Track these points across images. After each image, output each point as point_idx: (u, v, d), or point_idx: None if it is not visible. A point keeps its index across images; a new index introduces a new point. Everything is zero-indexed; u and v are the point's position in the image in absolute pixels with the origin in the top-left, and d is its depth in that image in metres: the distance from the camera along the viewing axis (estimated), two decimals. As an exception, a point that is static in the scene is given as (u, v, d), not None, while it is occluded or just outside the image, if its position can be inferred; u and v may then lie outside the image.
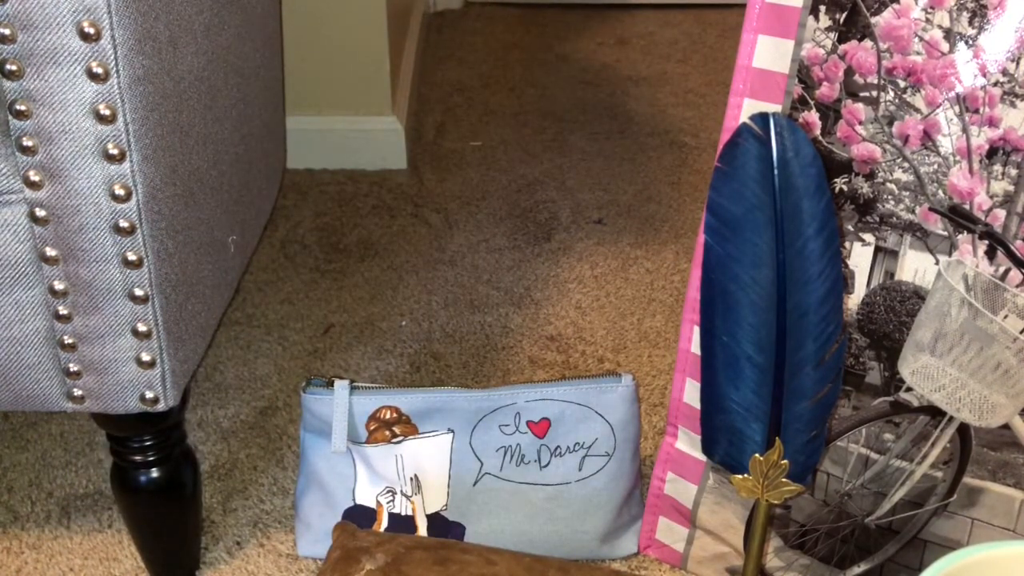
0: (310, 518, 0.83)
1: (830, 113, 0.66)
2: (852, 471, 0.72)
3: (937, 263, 0.65)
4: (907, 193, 0.65)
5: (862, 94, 0.65)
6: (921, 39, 0.62)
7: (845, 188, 0.67)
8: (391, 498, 0.82)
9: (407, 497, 0.82)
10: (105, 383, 0.69)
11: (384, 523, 0.82)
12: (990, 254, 0.64)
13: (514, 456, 0.81)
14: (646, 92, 1.73)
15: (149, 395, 0.70)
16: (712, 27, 2.00)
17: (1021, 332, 0.63)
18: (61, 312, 0.66)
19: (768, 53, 0.67)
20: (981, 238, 0.63)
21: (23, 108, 0.60)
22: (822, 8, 0.64)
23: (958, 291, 0.64)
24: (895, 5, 0.62)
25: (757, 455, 0.62)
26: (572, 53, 1.89)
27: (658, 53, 1.88)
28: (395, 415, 0.80)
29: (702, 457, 0.76)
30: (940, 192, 0.64)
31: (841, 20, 0.64)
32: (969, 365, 0.65)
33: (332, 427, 0.80)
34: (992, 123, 0.62)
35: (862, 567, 0.74)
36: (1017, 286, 0.63)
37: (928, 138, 0.63)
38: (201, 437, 0.98)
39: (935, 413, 0.67)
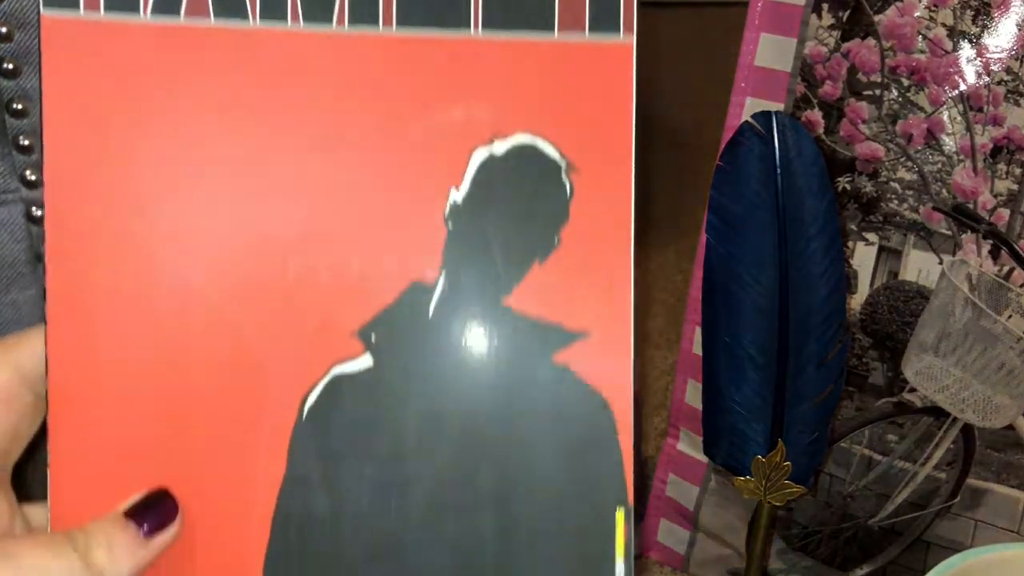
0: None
1: (833, 111, 0.66)
2: (855, 472, 0.71)
3: (941, 263, 0.65)
4: (911, 192, 0.65)
5: (865, 92, 0.64)
6: (925, 37, 0.62)
7: (848, 187, 0.66)
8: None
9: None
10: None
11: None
12: (994, 253, 0.63)
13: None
14: (646, 90, 1.72)
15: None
16: (713, 25, 2.00)
17: (1025, 332, 0.63)
18: None
19: (770, 51, 0.67)
20: (985, 237, 0.63)
21: (20, 107, 0.60)
22: (824, 6, 0.64)
23: (962, 291, 0.64)
24: (898, 3, 0.62)
25: (759, 456, 0.62)
26: (572, 53, 1.88)
27: (659, 52, 1.88)
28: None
29: (704, 458, 0.76)
30: (944, 191, 0.63)
31: (844, 18, 0.64)
32: (973, 365, 0.65)
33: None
34: (996, 122, 0.61)
35: (865, 569, 0.74)
36: (1021, 285, 0.63)
37: (932, 137, 0.63)
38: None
39: (939, 414, 0.67)
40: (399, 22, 0.43)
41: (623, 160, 0.47)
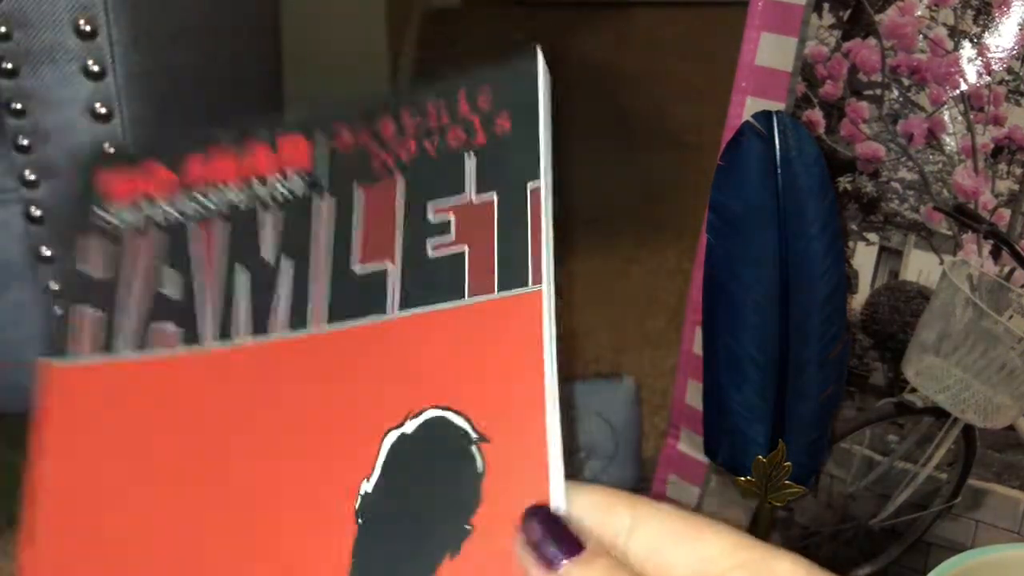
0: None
1: (834, 111, 0.65)
2: (856, 473, 0.71)
3: (941, 263, 0.64)
4: (911, 192, 0.64)
5: (866, 92, 0.64)
6: (926, 37, 0.61)
7: (849, 187, 0.66)
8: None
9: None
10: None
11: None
12: (995, 254, 0.63)
13: (514, 457, 0.80)
14: (647, 90, 1.72)
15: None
16: (714, 24, 2.00)
17: (1026, 332, 0.63)
18: (58, 313, 0.66)
19: (771, 51, 0.66)
20: (986, 237, 0.63)
21: (19, 106, 0.60)
22: (825, 5, 0.64)
23: (963, 291, 0.64)
24: (899, 2, 0.62)
25: (760, 457, 0.62)
26: (572, 52, 1.88)
27: (659, 51, 1.88)
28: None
29: (704, 459, 0.76)
30: (945, 191, 0.63)
31: (845, 17, 0.64)
32: (974, 366, 0.65)
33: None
34: (997, 121, 0.61)
35: (866, 569, 0.74)
36: (1022, 286, 0.62)
37: (933, 137, 0.63)
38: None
39: (940, 414, 0.67)
40: (330, 319, 0.43)
41: (533, 423, 0.41)
